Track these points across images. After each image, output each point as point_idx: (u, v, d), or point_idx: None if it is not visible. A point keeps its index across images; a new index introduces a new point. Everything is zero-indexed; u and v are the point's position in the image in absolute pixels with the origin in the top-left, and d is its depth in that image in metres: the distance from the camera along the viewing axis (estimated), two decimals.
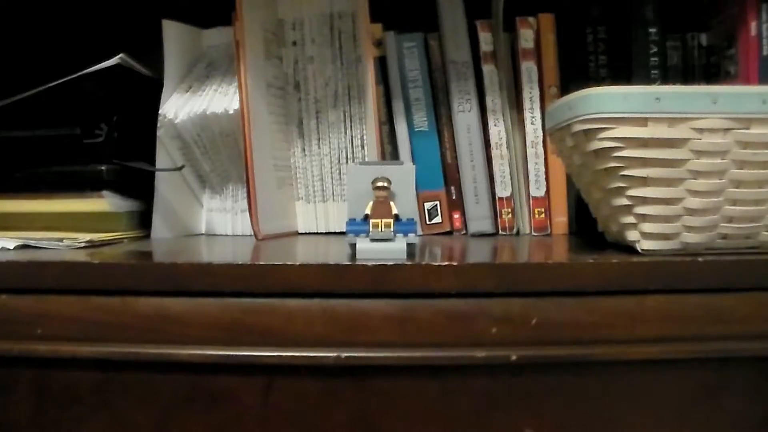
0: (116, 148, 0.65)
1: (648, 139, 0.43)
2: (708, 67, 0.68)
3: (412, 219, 0.47)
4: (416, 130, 0.70)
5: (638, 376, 0.42)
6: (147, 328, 0.42)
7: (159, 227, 0.67)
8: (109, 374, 0.43)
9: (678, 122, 0.43)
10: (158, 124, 0.67)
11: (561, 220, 0.67)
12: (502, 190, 0.67)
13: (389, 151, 0.70)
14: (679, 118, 0.42)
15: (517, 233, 0.68)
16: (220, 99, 0.67)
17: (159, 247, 0.55)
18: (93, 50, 0.68)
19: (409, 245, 0.45)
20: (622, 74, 0.66)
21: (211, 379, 0.43)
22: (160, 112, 0.67)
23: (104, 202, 0.64)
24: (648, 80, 0.65)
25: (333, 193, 0.71)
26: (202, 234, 0.73)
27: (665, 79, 0.66)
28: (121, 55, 0.63)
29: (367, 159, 0.69)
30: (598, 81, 0.67)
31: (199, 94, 0.69)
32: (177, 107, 0.68)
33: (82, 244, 0.55)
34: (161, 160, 0.67)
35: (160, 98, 0.68)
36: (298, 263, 0.41)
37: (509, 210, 0.67)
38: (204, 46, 0.73)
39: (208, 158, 0.70)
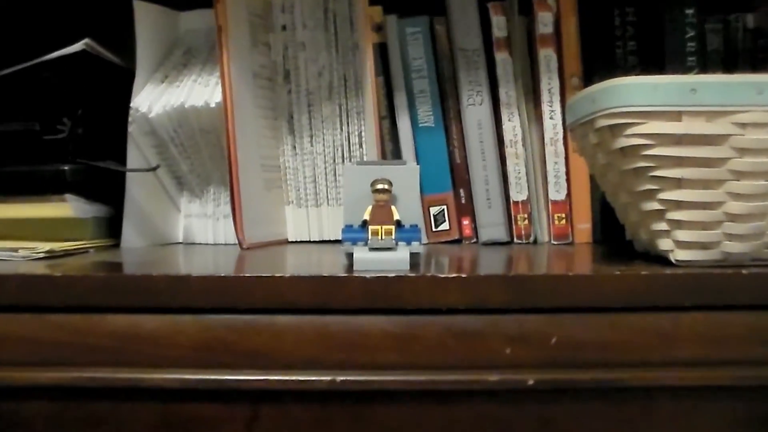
0: (81, 145, 0.66)
1: (682, 136, 0.43)
2: (754, 53, 0.67)
3: (416, 225, 0.47)
4: (421, 125, 0.70)
5: (673, 404, 0.42)
6: (115, 349, 0.42)
7: (130, 235, 0.68)
8: (70, 404, 0.43)
9: (717, 116, 0.43)
10: (129, 119, 0.67)
11: (584, 227, 0.67)
12: (518, 194, 0.67)
13: (390, 150, 0.70)
14: (718, 111, 0.43)
15: (535, 242, 0.68)
16: (199, 91, 0.67)
17: (130, 257, 0.55)
18: (54, 34, 0.68)
19: (413, 255, 0.46)
20: (654, 62, 0.67)
21: (188, 407, 0.42)
22: (131, 105, 0.67)
23: (67, 207, 0.64)
24: (684, 68, 0.65)
25: (327, 196, 0.71)
26: (180, 243, 0.73)
27: (704, 67, 0.66)
28: (86, 40, 0.64)
29: (365, 158, 0.69)
30: (626, 70, 0.67)
31: (176, 84, 0.69)
32: (151, 100, 0.68)
33: (41, 255, 0.55)
34: (133, 159, 0.67)
35: (131, 89, 0.68)
36: (287, 275, 0.41)
37: (525, 216, 0.67)
38: (181, 31, 0.73)
39: (186, 157, 0.70)
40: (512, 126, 0.68)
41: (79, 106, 0.66)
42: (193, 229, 0.72)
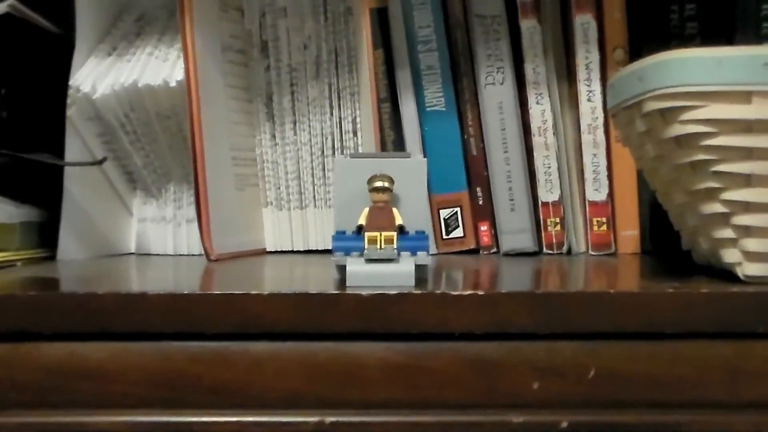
0: (6, 132, 0.65)
1: (753, 122, 0.43)
2: None
3: (423, 232, 0.47)
4: (429, 110, 0.70)
5: None
6: (51, 387, 0.42)
7: (69, 245, 0.68)
8: None
9: None
10: (69, 101, 0.67)
11: (629, 233, 0.67)
12: (548, 193, 0.68)
13: (392, 139, 0.70)
14: None
15: (569, 252, 0.68)
16: (156, 66, 0.68)
17: (69, 272, 0.55)
18: None
19: (419, 268, 0.46)
20: (718, 31, 0.67)
21: None
22: (70, 83, 0.68)
23: None
24: (756, 38, 0.65)
25: (314, 196, 0.71)
26: (132, 254, 0.73)
27: None
28: (10, 1, 0.63)
29: (360, 150, 0.69)
30: (683, 41, 0.67)
31: (128, 58, 0.69)
32: (95, 77, 0.68)
33: None
34: (73, 150, 0.68)
35: (70, 64, 0.68)
36: (266, 293, 0.41)
37: (557, 220, 0.68)
38: None
39: (140, 148, 0.70)
40: (541, 110, 0.68)
41: (2, 84, 0.66)
42: (148, 237, 0.72)
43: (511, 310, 0.41)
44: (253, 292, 0.41)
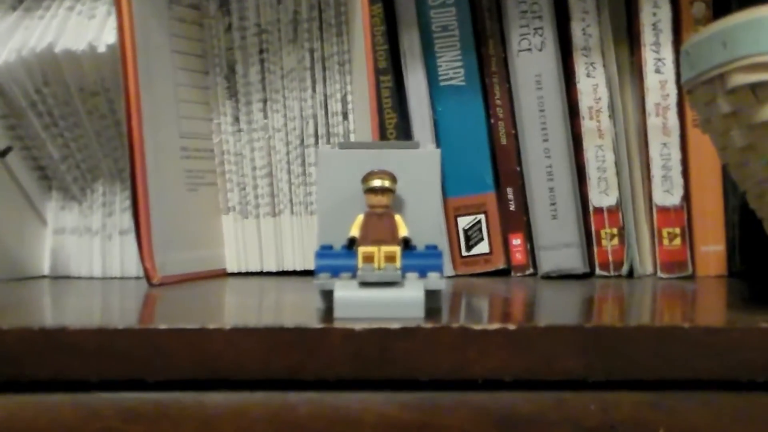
0: None
1: None
2: None
3: (436, 247, 0.47)
4: (443, 84, 0.71)
5: None
6: None
7: None
8: None
9: None
10: None
11: (712, 249, 0.67)
12: (602, 195, 0.68)
13: (394, 124, 0.70)
14: None
15: (630, 274, 0.68)
16: (79, 25, 0.68)
17: None
18: None
19: (430, 294, 0.46)
20: None
21: None
22: None
23: None
24: None
25: (291, 200, 0.71)
26: (45, 276, 0.73)
27: None
28: None
29: (353, 138, 0.70)
30: None
31: (40, 14, 0.70)
32: None
33: None
34: None
35: None
36: (227, 327, 0.41)
37: (614, 231, 0.68)
38: None
39: (56, 135, 0.71)
40: (592, 85, 0.68)
41: None
42: (67, 254, 0.73)
43: (552, 351, 0.41)
44: (210, 327, 0.41)
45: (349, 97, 0.70)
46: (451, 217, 0.70)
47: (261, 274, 0.72)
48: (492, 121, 0.70)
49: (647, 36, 0.67)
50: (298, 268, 0.71)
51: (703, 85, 0.49)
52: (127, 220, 0.70)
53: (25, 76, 0.68)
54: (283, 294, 0.57)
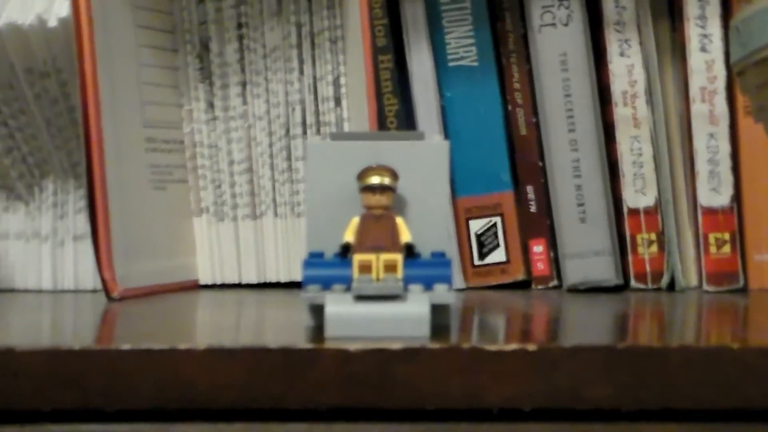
0: None
1: None
2: None
3: (444, 254, 0.48)
4: (452, 65, 0.71)
5: None
6: None
7: None
8: None
9: None
10: None
11: (767, 258, 0.67)
12: (638, 195, 0.68)
13: (395, 111, 0.70)
14: None
15: (671, 287, 0.68)
16: None
17: None
18: None
19: (437, 310, 0.46)
20: None
21: None
22: None
23: None
24: None
25: (274, 200, 0.71)
26: None
27: None
28: None
29: (347, 128, 0.70)
30: None
31: None
32: None
33: None
34: None
35: None
36: (200, 348, 0.41)
37: (652, 236, 0.68)
38: None
39: None
40: (627, 65, 0.68)
41: None
42: (12, 263, 0.72)
43: (578, 376, 0.41)
44: (181, 347, 0.41)
45: (343, 80, 0.70)
46: (461, 220, 0.71)
47: (239, 286, 0.72)
48: (509, 107, 0.71)
49: (691, 8, 0.67)
50: (283, 280, 0.71)
51: (755, 66, 0.49)
52: (82, 223, 0.70)
53: None
54: (265, 309, 0.57)
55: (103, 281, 0.63)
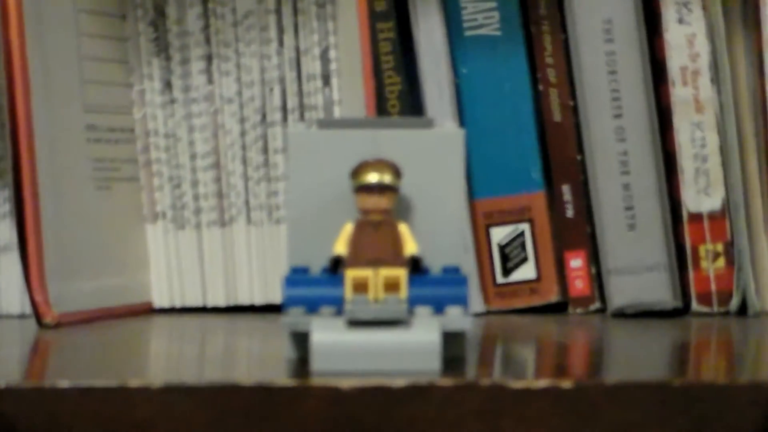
0: None
1: None
2: None
3: (458, 270, 0.48)
4: (469, 34, 0.71)
5: None
6: None
7: None
8: None
9: None
10: None
11: None
12: (701, 196, 0.68)
13: (397, 92, 0.71)
14: None
15: (742, 310, 0.68)
16: None
17: None
18: None
19: (450, 338, 0.46)
20: None
21: None
22: None
23: None
24: None
25: (247, 202, 0.71)
26: None
27: None
28: None
29: (337, 113, 0.70)
30: None
31: None
32: None
33: None
34: None
35: None
36: (156, 385, 0.41)
37: (719, 248, 0.68)
38: None
39: None
40: (687, 35, 0.68)
41: None
42: None
43: (625, 419, 0.41)
44: (132, 385, 0.41)
45: (332, 53, 0.70)
46: (481, 227, 0.71)
47: (204, 310, 0.72)
48: (541, 87, 0.71)
49: None
50: (258, 302, 0.72)
51: None
52: (6, 232, 0.70)
53: None
54: (236, 338, 0.57)
55: (34, 304, 0.63)
